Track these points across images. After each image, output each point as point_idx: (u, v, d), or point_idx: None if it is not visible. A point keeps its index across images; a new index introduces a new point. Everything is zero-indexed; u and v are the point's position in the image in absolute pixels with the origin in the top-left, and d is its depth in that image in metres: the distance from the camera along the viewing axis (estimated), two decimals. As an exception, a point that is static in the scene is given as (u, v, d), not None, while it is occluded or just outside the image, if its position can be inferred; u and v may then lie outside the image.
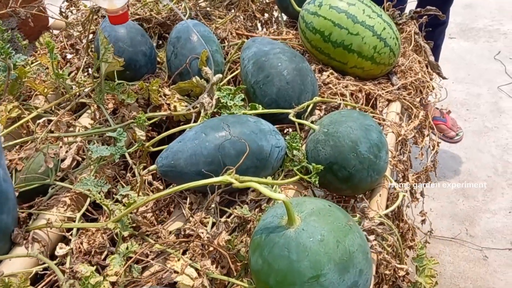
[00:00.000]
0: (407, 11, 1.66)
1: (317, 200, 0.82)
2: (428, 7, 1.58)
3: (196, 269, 0.81)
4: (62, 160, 1.00)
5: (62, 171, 1.00)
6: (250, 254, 0.78)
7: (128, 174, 1.05)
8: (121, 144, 1.03)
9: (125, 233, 0.85)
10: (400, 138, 1.23)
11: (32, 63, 1.34)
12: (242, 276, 0.84)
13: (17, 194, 0.94)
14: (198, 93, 1.23)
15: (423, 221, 1.34)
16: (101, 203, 0.89)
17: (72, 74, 1.34)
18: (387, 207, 1.07)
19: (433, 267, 1.01)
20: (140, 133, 1.08)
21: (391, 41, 1.35)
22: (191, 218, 0.92)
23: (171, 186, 1.02)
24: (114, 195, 0.98)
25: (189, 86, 1.22)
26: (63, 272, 0.82)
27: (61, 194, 0.97)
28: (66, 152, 1.01)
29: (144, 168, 1.05)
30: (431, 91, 1.47)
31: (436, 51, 2.18)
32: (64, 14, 1.57)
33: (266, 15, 1.77)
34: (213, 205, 0.93)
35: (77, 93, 1.21)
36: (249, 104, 1.15)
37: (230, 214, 0.93)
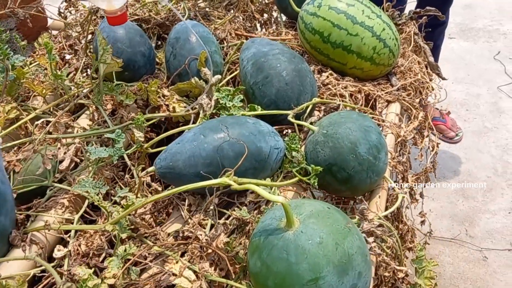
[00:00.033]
0: (406, 11, 1.66)
1: (316, 202, 0.82)
2: (428, 7, 1.57)
3: (195, 272, 0.81)
4: (60, 162, 1.00)
5: (60, 172, 1.00)
6: (249, 256, 0.78)
7: (127, 176, 1.05)
8: (119, 145, 1.03)
9: (123, 235, 0.85)
10: (399, 139, 1.23)
11: (30, 63, 1.34)
12: (240, 278, 0.84)
13: (15, 195, 0.93)
14: (197, 94, 1.22)
15: (422, 222, 1.34)
16: (99, 205, 0.89)
17: (71, 75, 1.34)
18: (386, 208, 1.07)
19: (433, 269, 1.01)
20: (139, 134, 1.07)
21: (390, 42, 1.35)
22: (189, 220, 0.91)
23: (170, 187, 1.02)
24: (112, 197, 0.98)
25: (188, 87, 1.22)
26: (61, 274, 0.81)
27: (59, 196, 0.97)
28: (64, 153, 1.01)
29: (143, 169, 1.05)
30: (430, 92, 1.47)
31: (435, 51, 2.17)
32: (63, 15, 1.56)
33: (265, 15, 1.77)
34: (211, 207, 0.92)
35: (76, 94, 1.21)
36: (248, 105, 1.15)
37: (229, 216, 0.92)
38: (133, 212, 0.91)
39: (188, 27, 1.25)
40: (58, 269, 0.83)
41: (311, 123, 1.11)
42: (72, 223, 0.92)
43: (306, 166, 1.03)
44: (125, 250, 0.82)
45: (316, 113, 1.24)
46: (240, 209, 0.91)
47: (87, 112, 1.21)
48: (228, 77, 1.35)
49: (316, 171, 0.99)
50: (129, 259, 0.82)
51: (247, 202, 0.96)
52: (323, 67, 1.40)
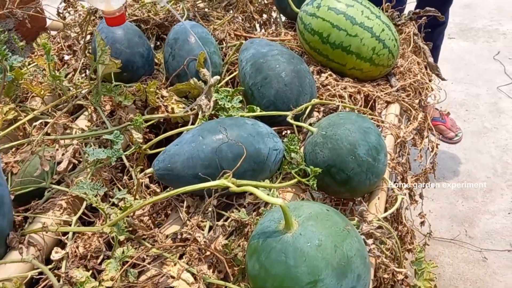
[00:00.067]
0: (406, 12, 1.65)
1: (315, 204, 0.82)
2: (427, 8, 1.57)
3: (193, 274, 0.81)
4: (58, 163, 1.00)
5: (58, 174, 1.00)
6: (247, 259, 0.77)
7: (125, 177, 1.04)
8: (117, 146, 1.02)
9: (121, 237, 0.85)
10: (399, 140, 1.23)
11: (29, 64, 1.33)
12: (239, 281, 0.84)
13: (12, 197, 0.93)
14: (196, 94, 1.22)
15: (422, 223, 1.34)
16: (97, 206, 0.89)
17: (69, 75, 1.33)
18: (385, 209, 1.06)
19: (432, 270, 1.00)
20: (137, 136, 1.07)
21: (390, 43, 1.35)
22: (188, 222, 0.91)
23: (168, 189, 1.02)
24: (110, 198, 0.98)
25: (187, 87, 1.22)
26: (59, 277, 0.81)
27: (57, 197, 0.97)
28: (63, 154, 1.00)
29: (141, 170, 1.05)
30: (430, 92, 1.46)
31: (435, 51, 2.17)
32: (61, 15, 1.56)
33: (265, 16, 1.76)
34: (210, 209, 0.92)
35: (74, 95, 1.21)
36: (247, 106, 1.14)
37: (228, 218, 0.92)
38: (131, 214, 0.91)
39: (187, 28, 1.25)
40: (55, 271, 0.83)
41: (310, 124, 1.11)
42: (70, 225, 0.92)
43: (305, 168, 1.02)
44: (123, 252, 0.82)
45: (315, 114, 1.23)
46: (239, 211, 0.91)
47: (86, 113, 1.20)
48: (227, 78, 1.34)
49: (315, 173, 0.99)
50: (127, 261, 0.81)
51: (245, 204, 0.96)
52: (322, 67, 1.40)
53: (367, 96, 1.34)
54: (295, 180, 1.01)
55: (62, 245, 0.90)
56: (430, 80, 1.50)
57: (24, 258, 0.82)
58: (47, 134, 1.07)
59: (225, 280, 0.83)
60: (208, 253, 0.84)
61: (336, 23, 1.32)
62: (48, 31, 1.63)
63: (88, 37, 1.42)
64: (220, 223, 0.90)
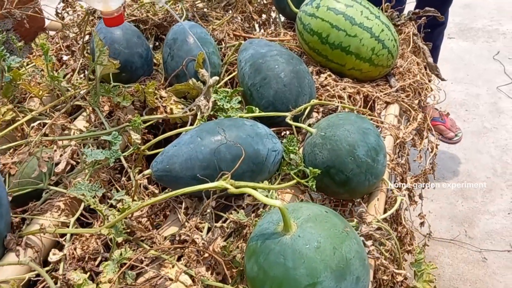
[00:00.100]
0: (405, 12, 1.65)
1: (314, 205, 0.81)
2: (427, 8, 1.56)
3: (191, 276, 0.80)
4: (56, 164, 0.99)
5: (56, 175, 0.99)
6: (246, 260, 0.77)
7: (123, 178, 1.04)
8: (116, 147, 1.02)
9: (119, 239, 0.84)
10: (398, 141, 1.22)
11: (27, 64, 1.33)
12: (237, 282, 0.83)
13: (10, 198, 0.93)
14: (194, 95, 1.21)
15: (422, 224, 1.33)
16: (95, 208, 0.88)
17: (68, 76, 1.33)
18: (385, 210, 1.06)
19: (432, 271, 1.00)
20: (136, 137, 1.07)
21: (389, 43, 1.34)
22: (186, 223, 0.91)
23: (167, 189, 1.01)
24: (109, 200, 0.97)
25: (186, 88, 1.21)
26: (56, 278, 0.80)
27: (55, 199, 0.96)
28: (60, 155, 1.00)
29: (140, 171, 1.04)
30: (429, 93, 1.46)
31: (435, 51, 2.16)
32: (60, 15, 1.56)
33: (264, 16, 1.76)
34: (208, 210, 0.91)
35: (73, 96, 1.20)
36: (246, 107, 1.14)
37: (226, 219, 0.92)
38: (130, 215, 0.90)
39: (186, 28, 1.24)
40: (53, 273, 0.83)
41: (309, 125, 1.10)
42: (68, 227, 0.91)
43: (304, 169, 1.02)
44: (121, 254, 0.81)
45: (314, 114, 1.23)
46: (238, 212, 0.91)
47: (84, 113, 1.20)
48: (226, 78, 1.34)
49: (314, 174, 0.98)
50: (125, 263, 0.81)
51: (244, 205, 0.95)
52: (321, 68, 1.40)
53: (366, 96, 1.34)
54: (294, 181, 1.01)
55: (60, 246, 0.89)
56: (429, 81, 1.50)
57: (21, 260, 0.81)
58: (45, 135, 1.06)
59: (224, 282, 0.83)
60: (206, 255, 0.84)
61: (335, 23, 1.31)
62: (47, 31, 1.63)
63: (87, 37, 1.41)
64: (218, 224, 0.90)
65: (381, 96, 1.34)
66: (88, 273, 0.82)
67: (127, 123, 1.11)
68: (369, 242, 0.90)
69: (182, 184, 0.89)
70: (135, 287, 0.80)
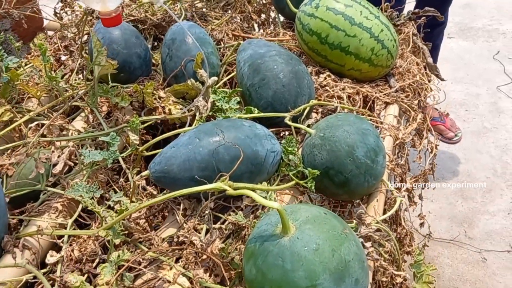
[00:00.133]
0: (405, 12, 1.64)
1: (313, 207, 0.81)
2: (427, 8, 1.56)
3: (189, 278, 0.80)
4: (54, 165, 0.99)
5: (54, 176, 0.99)
6: (244, 262, 0.77)
7: (121, 179, 1.04)
8: (114, 148, 1.01)
9: (117, 241, 0.84)
10: (398, 142, 1.22)
11: (25, 65, 1.32)
12: (236, 284, 0.83)
13: (7, 200, 0.92)
14: (193, 95, 1.21)
15: (421, 224, 1.33)
16: (93, 209, 0.88)
17: (66, 76, 1.32)
18: (384, 211, 1.06)
19: (431, 272, 1.00)
20: (134, 137, 1.06)
21: (388, 43, 1.34)
22: (184, 225, 0.90)
23: (165, 191, 1.01)
24: (106, 201, 0.97)
25: (184, 88, 1.21)
26: (54, 281, 0.80)
27: (52, 200, 0.96)
28: (58, 156, 0.99)
29: (138, 172, 1.04)
30: (429, 93, 1.45)
31: (434, 51, 2.16)
32: (58, 15, 1.55)
33: (263, 16, 1.75)
34: (207, 212, 0.91)
35: (71, 96, 1.20)
36: (245, 108, 1.13)
37: (225, 221, 0.91)
38: (128, 217, 0.90)
39: (184, 29, 1.24)
40: (50, 275, 0.82)
41: (308, 126, 1.10)
42: (66, 228, 0.91)
43: (303, 170, 1.02)
44: (118, 256, 0.81)
45: (313, 115, 1.23)
46: (236, 214, 0.90)
47: (82, 114, 1.19)
48: (225, 79, 1.33)
49: (313, 175, 0.98)
50: (122, 265, 0.81)
51: (243, 206, 0.95)
52: (320, 68, 1.39)
53: (365, 97, 1.33)
54: (293, 182, 1.00)
55: (57, 248, 0.89)
56: (429, 81, 1.49)
57: (18, 262, 0.81)
58: (43, 135, 1.06)
59: (222, 284, 0.82)
60: (204, 256, 0.84)
61: (334, 23, 1.31)
62: (45, 32, 1.62)
63: (85, 37, 1.41)
64: (217, 226, 0.89)
65: (380, 96, 1.33)
66: (86, 275, 0.81)
67: (126, 124, 1.10)
68: (368, 244, 0.89)
69: (180, 185, 0.89)
70: (133, 289, 0.79)
